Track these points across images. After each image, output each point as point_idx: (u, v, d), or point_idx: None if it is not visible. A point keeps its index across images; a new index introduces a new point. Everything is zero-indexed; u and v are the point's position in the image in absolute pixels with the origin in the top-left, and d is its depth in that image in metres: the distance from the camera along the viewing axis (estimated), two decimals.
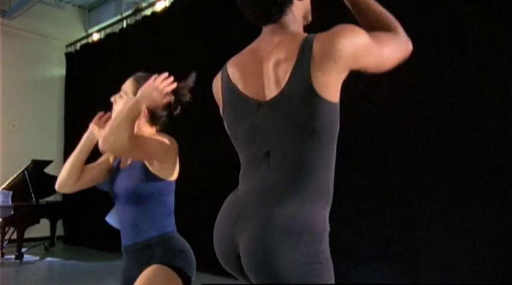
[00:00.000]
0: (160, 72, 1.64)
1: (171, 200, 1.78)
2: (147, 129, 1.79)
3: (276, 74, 1.14)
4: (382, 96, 3.63)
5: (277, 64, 1.14)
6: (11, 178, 6.38)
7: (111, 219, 1.92)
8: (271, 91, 1.15)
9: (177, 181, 1.79)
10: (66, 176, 1.79)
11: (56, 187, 1.83)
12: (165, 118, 1.80)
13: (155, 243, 1.69)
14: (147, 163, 1.69)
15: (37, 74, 8.13)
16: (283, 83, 1.12)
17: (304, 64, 1.09)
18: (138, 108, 1.56)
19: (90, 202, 6.46)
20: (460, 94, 3.27)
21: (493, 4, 3.16)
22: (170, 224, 1.76)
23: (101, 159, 1.90)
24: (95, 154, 1.82)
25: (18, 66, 7.77)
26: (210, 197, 4.79)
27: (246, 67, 1.22)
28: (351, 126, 3.75)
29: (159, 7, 6.38)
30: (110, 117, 1.80)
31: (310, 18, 1.31)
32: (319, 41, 1.10)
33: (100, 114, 1.87)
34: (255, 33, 1.28)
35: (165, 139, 1.68)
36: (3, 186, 6.30)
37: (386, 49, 1.15)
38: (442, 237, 3.25)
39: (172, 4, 6.16)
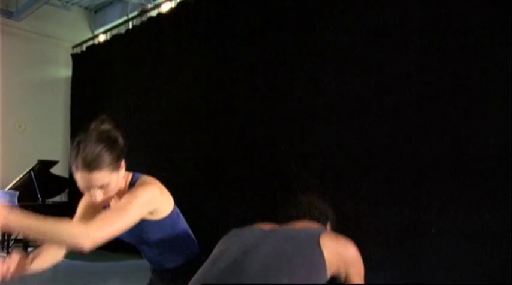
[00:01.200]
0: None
1: (182, 226, 1.72)
2: (121, 190, 1.55)
3: None
4: (384, 99, 3.62)
5: None
6: (17, 178, 6.42)
7: None
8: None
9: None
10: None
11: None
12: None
13: (181, 272, 1.68)
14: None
15: (43, 75, 8.19)
16: None
17: None
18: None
19: None
20: (461, 96, 3.26)
21: (494, 4, 3.15)
22: (193, 248, 1.75)
23: (80, 212, 1.70)
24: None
25: (24, 67, 7.83)
26: (211, 198, 4.81)
27: None
28: (355, 129, 3.76)
29: (165, 8, 6.40)
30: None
31: None
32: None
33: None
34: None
35: (143, 191, 1.48)
36: (10, 186, 6.35)
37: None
38: (445, 239, 3.24)
39: (178, 5, 6.17)
